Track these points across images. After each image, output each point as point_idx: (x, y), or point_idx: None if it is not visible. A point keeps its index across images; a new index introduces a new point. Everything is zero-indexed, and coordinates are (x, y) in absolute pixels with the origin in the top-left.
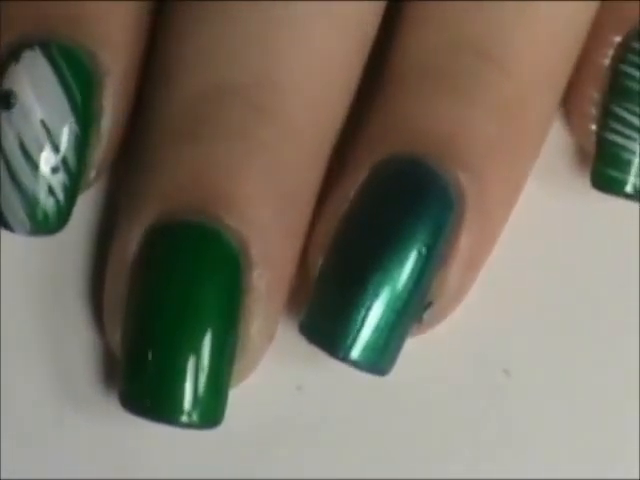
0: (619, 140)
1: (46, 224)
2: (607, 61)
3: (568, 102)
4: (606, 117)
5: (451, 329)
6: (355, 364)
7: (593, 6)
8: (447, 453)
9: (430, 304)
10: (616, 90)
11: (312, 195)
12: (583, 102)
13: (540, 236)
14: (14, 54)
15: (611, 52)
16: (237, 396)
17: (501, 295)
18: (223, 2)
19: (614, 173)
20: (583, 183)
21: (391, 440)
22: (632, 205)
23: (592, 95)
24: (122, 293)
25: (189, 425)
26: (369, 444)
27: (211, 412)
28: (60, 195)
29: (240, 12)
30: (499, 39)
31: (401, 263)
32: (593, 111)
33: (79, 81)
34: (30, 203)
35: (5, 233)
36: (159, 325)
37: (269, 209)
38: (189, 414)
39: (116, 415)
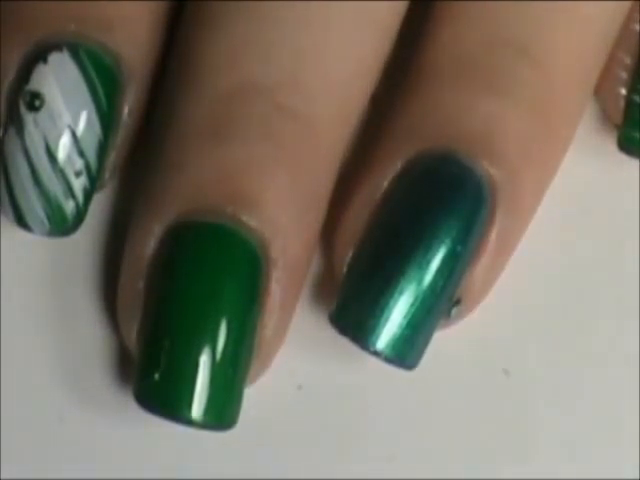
0: None
1: (64, 226)
2: (639, 26)
3: None
4: (636, 80)
5: (451, 329)
6: (384, 357)
7: (627, 6)
8: (447, 453)
9: (459, 301)
10: None
11: (327, 198)
12: (614, 65)
13: (539, 235)
14: (42, 54)
15: None
16: None
17: (501, 295)
18: (252, 1)
19: None
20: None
21: (391, 440)
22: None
23: (623, 59)
24: (139, 290)
25: (203, 424)
26: (369, 444)
27: (226, 412)
28: (80, 198)
29: (270, 12)
30: (536, 36)
31: (433, 259)
32: (623, 75)
33: (105, 85)
34: (51, 205)
35: (18, 230)
36: (178, 321)
37: (290, 210)
38: (204, 413)
39: (117, 415)
